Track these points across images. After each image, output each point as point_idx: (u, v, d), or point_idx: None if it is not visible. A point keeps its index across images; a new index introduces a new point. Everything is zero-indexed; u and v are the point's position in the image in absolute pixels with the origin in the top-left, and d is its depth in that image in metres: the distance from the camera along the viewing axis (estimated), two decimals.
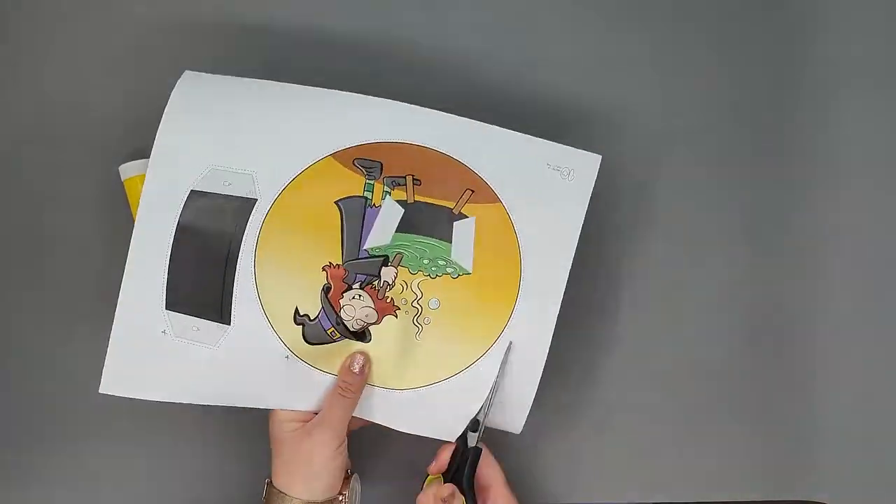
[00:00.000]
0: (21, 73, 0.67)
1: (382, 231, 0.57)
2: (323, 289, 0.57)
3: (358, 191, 0.57)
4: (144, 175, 0.64)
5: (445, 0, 0.68)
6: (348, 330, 0.57)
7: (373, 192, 0.58)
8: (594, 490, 0.67)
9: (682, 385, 0.67)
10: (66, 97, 0.67)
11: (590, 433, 0.67)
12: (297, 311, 0.57)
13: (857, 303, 0.68)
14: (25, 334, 0.66)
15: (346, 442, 0.57)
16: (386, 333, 0.58)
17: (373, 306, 0.58)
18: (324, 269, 0.57)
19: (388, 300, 0.58)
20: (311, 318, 0.57)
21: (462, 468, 0.59)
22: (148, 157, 0.65)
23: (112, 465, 0.65)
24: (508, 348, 0.57)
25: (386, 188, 0.57)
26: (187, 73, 0.59)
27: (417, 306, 0.58)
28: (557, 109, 0.68)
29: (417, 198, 0.58)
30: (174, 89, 0.58)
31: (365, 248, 0.57)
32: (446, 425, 0.59)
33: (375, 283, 0.57)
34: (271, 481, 0.57)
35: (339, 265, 0.57)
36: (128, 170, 0.64)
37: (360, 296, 0.57)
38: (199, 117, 0.58)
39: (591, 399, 0.66)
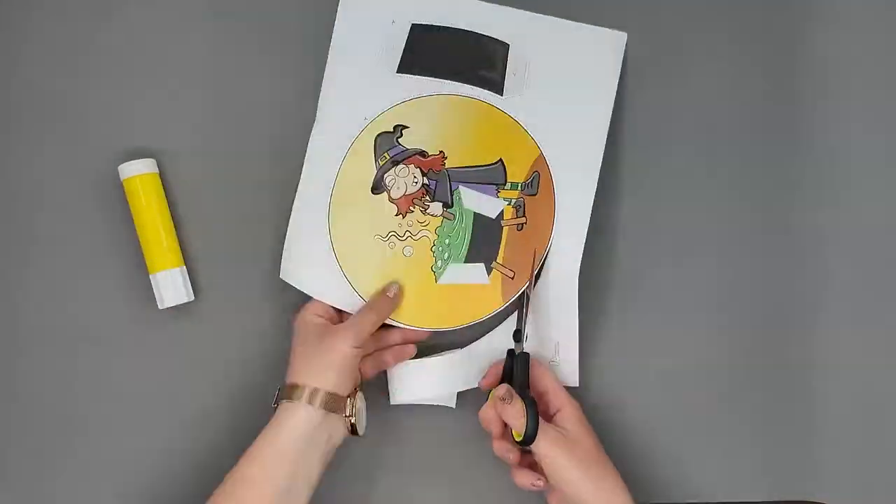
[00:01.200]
0: (21, 73, 0.67)
1: None
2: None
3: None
4: (144, 175, 0.65)
5: None
6: None
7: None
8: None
9: (682, 385, 0.67)
10: (66, 97, 0.67)
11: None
12: None
13: (857, 303, 0.68)
14: (25, 334, 0.66)
15: (362, 352, 0.59)
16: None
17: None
18: None
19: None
20: None
21: (514, 376, 0.61)
22: (147, 157, 0.66)
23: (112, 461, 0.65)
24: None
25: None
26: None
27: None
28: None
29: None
30: None
31: None
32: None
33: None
34: (284, 381, 0.59)
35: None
36: (128, 169, 0.65)
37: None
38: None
39: (591, 399, 0.66)
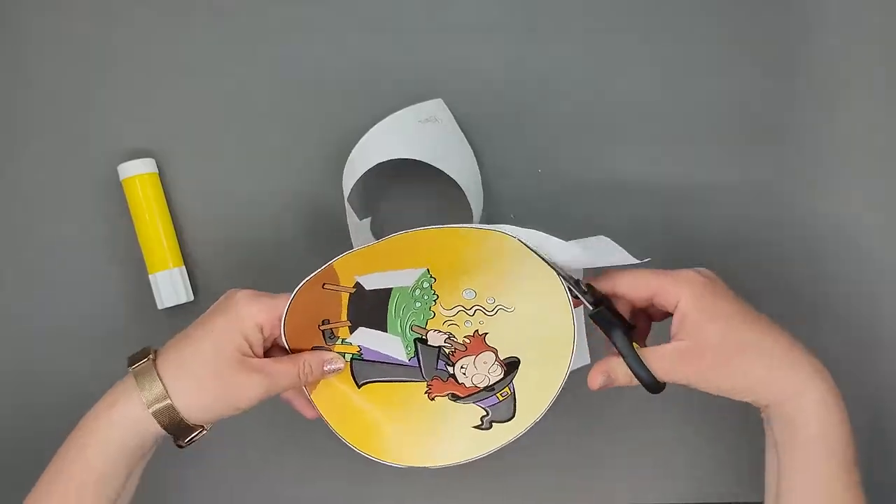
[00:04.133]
0: (21, 73, 0.68)
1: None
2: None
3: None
4: (144, 175, 0.65)
5: None
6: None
7: None
8: (593, 491, 0.67)
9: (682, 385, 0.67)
10: (66, 97, 0.67)
11: (589, 433, 0.67)
12: None
13: (857, 302, 0.68)
14: (25, 333, 0.66)
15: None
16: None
17: (473, 360, 0.56)
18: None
19: (471, 338, 0.56)
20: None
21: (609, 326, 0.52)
22: (147, 157, 0.66)
23: None
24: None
25: None
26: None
27: (485, 309, 0.55)
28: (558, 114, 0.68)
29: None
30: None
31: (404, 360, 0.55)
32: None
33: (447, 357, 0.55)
34: (155, 355, 0.51)
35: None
36: (127, 169, 0.65)
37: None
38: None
39: (590, 399, 0.66)
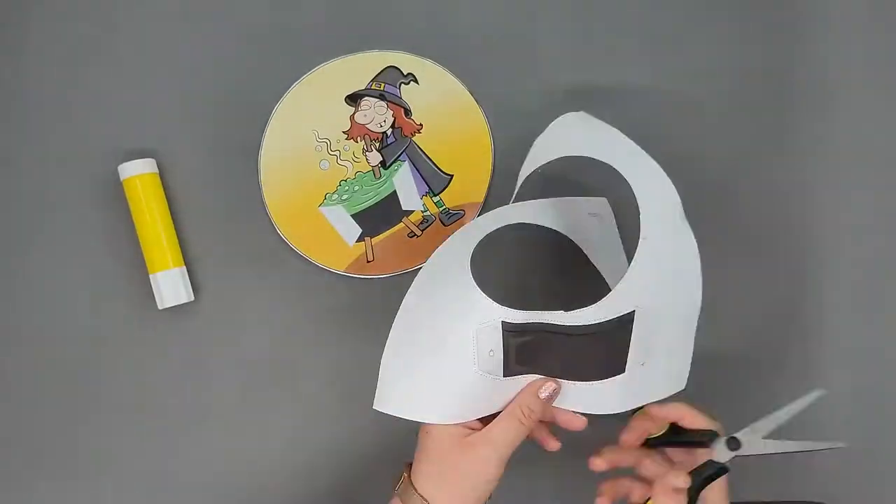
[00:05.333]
0: (22, 73, 0.68)
1: None
2: None
3: None
4: (144, 175, 0.65)
5: None
6: None
7: None
8: (593, 491, 0.67)
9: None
10: (66, 97, 0.67)
11: (589, 433, 0.67)
12: None
13: (857, 302, 0.68)
14: (25, 333, 0.66)
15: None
16: None
17: None
18: None
19: None
20: None
21: (700, 481, 0.55)
22: (147, 157, 0.66)
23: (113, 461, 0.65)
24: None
25: None
26: None
27: None
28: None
29: None
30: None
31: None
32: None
33: None
34: (411, 478, 0.53)
35: None
36: (128, 169, 0.65)
37: None
38: None
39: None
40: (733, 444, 0.56)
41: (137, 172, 0.65)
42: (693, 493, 0.54)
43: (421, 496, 0.51)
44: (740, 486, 0.66)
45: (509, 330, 0.53)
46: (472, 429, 0.53)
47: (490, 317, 0.53)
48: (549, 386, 0.53)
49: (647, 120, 0.69)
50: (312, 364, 0.66)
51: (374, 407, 0.54)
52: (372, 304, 0.66)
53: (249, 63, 0.68)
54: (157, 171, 0.66)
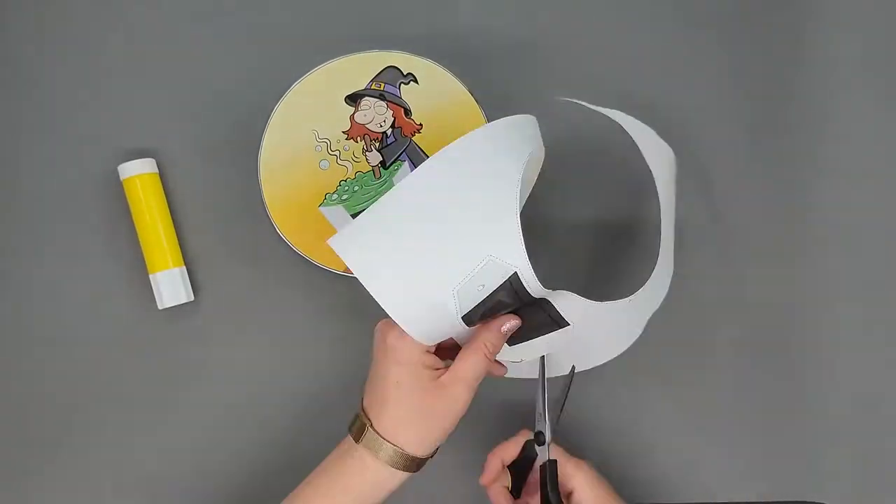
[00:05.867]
0: (22, 73, 0.68)
1: None
2: None
3: None
4: (144, 175, 0.65)
5: None
6: None
7: None
8: None
9: (683, 384, 0.67)
10: (66, 97, 0.67)
11: (589, 433, 0.67)
12: None
13: (857, 302, 0.68)
14: (25, 333, 0.66)
15: None
16: None
17: None
18: None
19: None
20: None
21: (545, 487, 0.56)
22: (147, 157, 0.66)
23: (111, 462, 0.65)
24: None
25: None
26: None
27: None
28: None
29: None
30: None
31: None
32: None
33: None
34: (371, 423, 0.52)
35: None
36: (128, 169, 0.65)
37: None
38: None
39: (591, 399, 0.66)
40: (540, 438, 0.58)
41: (137, 172, 0.65)
42: (520, 485, 0.59)
43: (393, 444, 0.52)
44: (741, 486, 0.66)
45: (514, 289, 0.50)
46: (435, 368, 0.53)
47: (510, 253, 0.48)
48: (514, 323, 0.54)
49: (646, 120, 0.69)
50: (312, 364, 0.66)
51: (359, 279, 0.50)
52: (372, 303, 0.66)
53: (249, 63, 0.68)
54: (157, 171, 0.66)
